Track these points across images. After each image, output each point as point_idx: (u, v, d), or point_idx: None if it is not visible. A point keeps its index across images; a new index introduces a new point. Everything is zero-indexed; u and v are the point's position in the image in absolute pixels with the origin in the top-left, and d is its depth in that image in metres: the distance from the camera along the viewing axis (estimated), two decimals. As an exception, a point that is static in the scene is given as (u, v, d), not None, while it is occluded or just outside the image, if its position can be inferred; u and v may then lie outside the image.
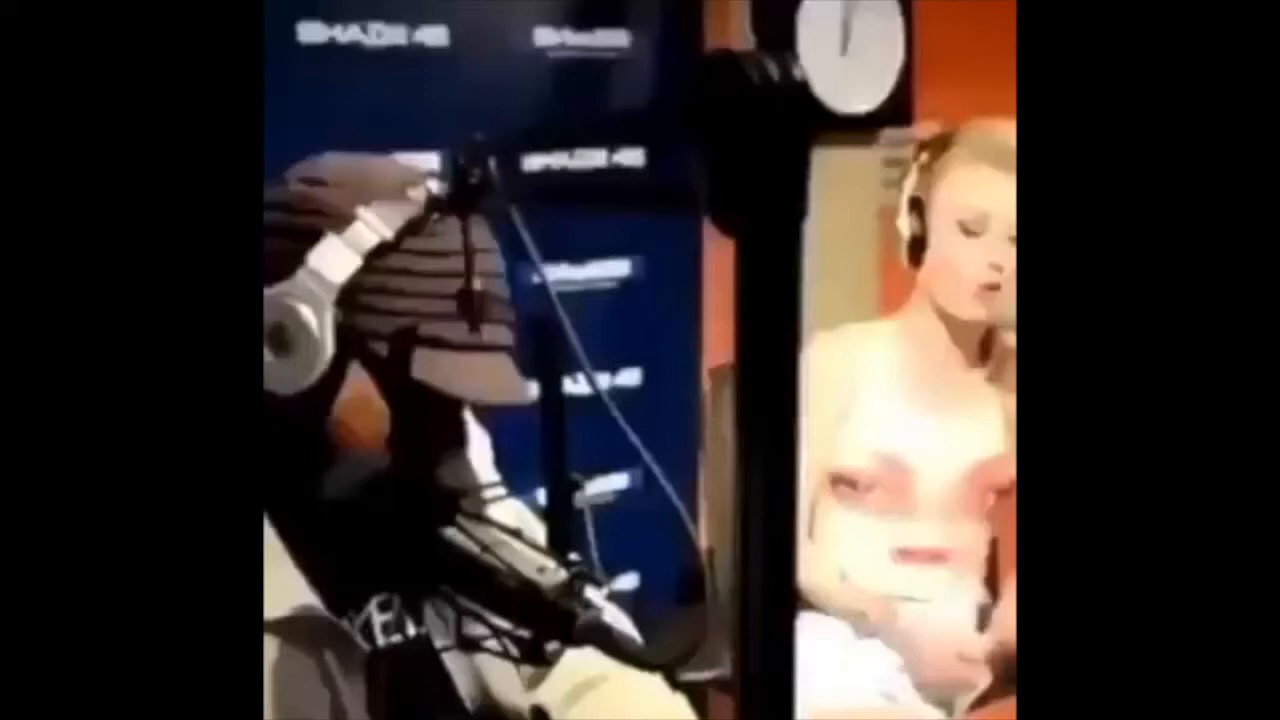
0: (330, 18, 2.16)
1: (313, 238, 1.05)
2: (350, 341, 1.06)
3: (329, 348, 1.04)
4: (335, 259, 1.04)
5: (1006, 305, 1.96)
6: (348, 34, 2.19)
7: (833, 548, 2.10)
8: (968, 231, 1.97)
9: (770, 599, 0.57)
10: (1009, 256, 1.94)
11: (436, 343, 1.07)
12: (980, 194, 1.96)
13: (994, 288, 1.96)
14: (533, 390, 1.01)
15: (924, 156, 2.04)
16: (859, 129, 2.94)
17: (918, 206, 2.02)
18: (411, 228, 1.05)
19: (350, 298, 1.05)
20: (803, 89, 0.54)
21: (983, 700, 2.06)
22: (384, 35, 2.23)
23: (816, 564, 2.07)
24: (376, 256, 1.05)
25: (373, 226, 1.05)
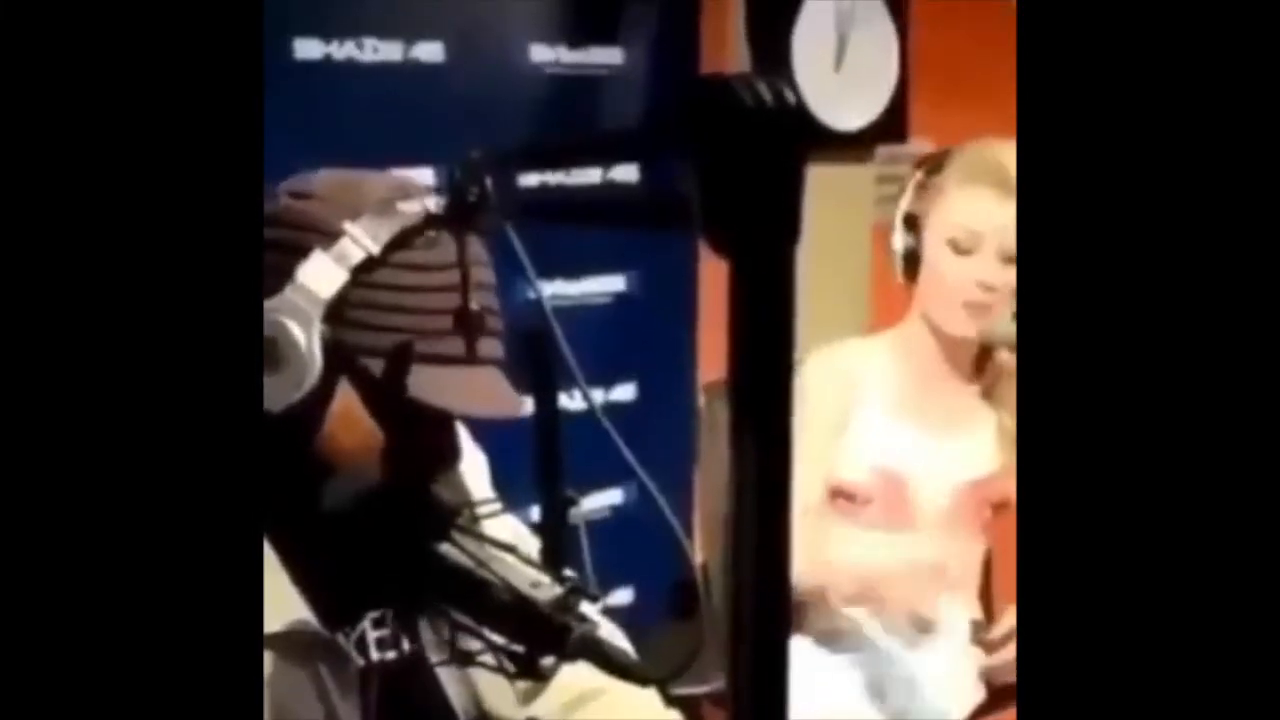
0: (326, 34, 2.16)
1: (301, 253, 1.05)
2: (339, 357, 1.06)
3: (317, 364, 1.04)
4: (323, 275, 1.04)
5: (997, 322, 1.96)
6: (343, 50, 2.19)
7: (829, 560, 2.11)
8: (959, 250, 1.97)
9: (764, 614, 0.58)
10: (1000, 276, 1.95)
11: (427, 358, 1.07)
12: (973, 213, 1.96)
13: (983, 306, 1.97)
14: (526, 403, 1.01)
15: (920, 174, 2.05)
16: (853, 145, 2.94)
17: (913, 223, 2.03)
18: (401, 242, 1.05)
19: (338, 313, 1.05)
20: (795, 112, 0.55)
21: (979, 714, 2.07)
22: (379, 51, 2.23)
23: (811, 576, 2.08)
24: (364, 271, 1.05)
25: (360, 242, 1.05)
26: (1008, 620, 1.98)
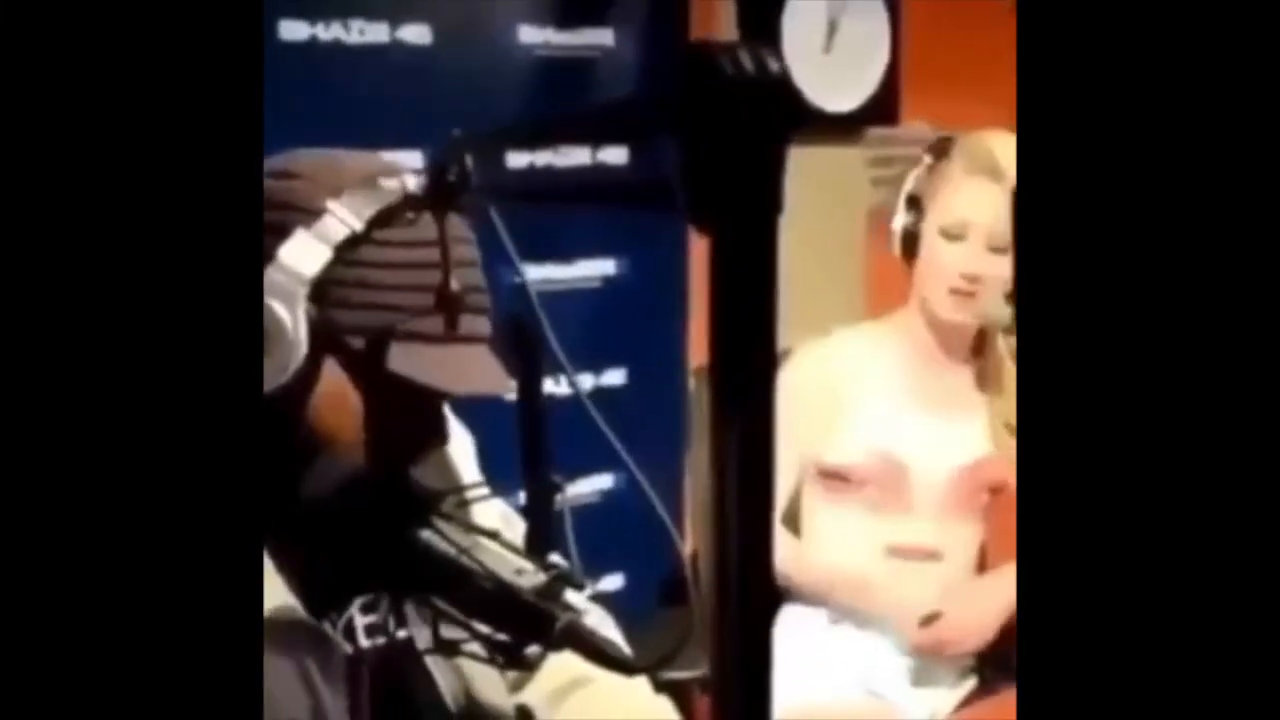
0: (311, 15, 2.15)
1: (283, 232, 1.04)
2: (325, 337, 1.05)
3: (303, 344, 1.03)
4: (305, 252, 1.03)
5: (984, 309, 1.98)
6: (329, 31, 2.17)
7: (822, 542, 2.11)
8: (949, 236, 2.01)
9: (747, 599, 0.57)
10: (986, 265, 1.97)
11: (414, 335, 1.06)
12: (966, 202, 2.00)
13: (967, 294, 1.99)
14: (514, 382, 1.00)
15: (929, 158, 2.07)
16: (843, 127, 2.93)
17: (915, 204, 2.05)
18: (384, 219, 1.04)
19: (324, 292, 1.04)
20: (779, 83, 0.54)
21: (973, 699, 2.07)
22: (366, 33, 2.21)
23: (805, 557, 2.08)
24: (348, 249, 1.04)
25: (342, 218, 1.04)
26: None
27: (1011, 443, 1.97)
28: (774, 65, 0.53)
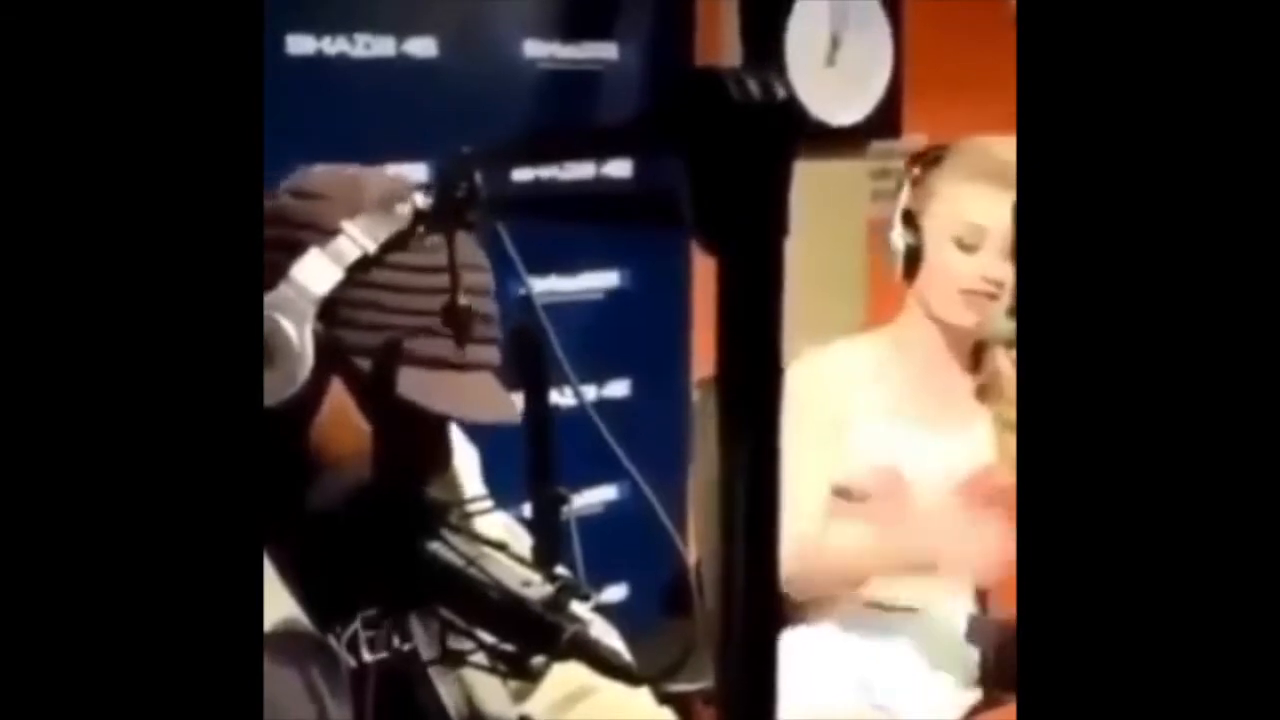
0: (318, 29, 2.16)
1: (298, 250, 1.05)
2: (332, 356, 1.06)
3: (309, 361, 1.04)
4: (317, 271, 1.04)
5: (997, 312, 1.98)
6: (335, 45, 2.18)
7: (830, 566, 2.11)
8: (964, 246, 1.99)
9: (754, 611, 0.57)
10: (1004, 271, 1.96)
11: (421, 360, 1.07)
12: (976, 210, 1.98)
13: (988, 296, 1.99)
14: (519, 408, 1.01)
15: (915, 171, 2.06)
16: (847, 141, 2.94)
17: (911, 220, 2.04)
18: (397, 242, 1.05)
19: (333, 311, 1.05)
20: (785, 106, 0.54)
21: (978, 710, 2.07)
22: (372, 47, 2.22)
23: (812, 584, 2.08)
24: (360, 270, 1.05)
25: (356, 240, 1.04)
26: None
27: (1013, 452, 1.97)
28: (779, 89, 0.54)
